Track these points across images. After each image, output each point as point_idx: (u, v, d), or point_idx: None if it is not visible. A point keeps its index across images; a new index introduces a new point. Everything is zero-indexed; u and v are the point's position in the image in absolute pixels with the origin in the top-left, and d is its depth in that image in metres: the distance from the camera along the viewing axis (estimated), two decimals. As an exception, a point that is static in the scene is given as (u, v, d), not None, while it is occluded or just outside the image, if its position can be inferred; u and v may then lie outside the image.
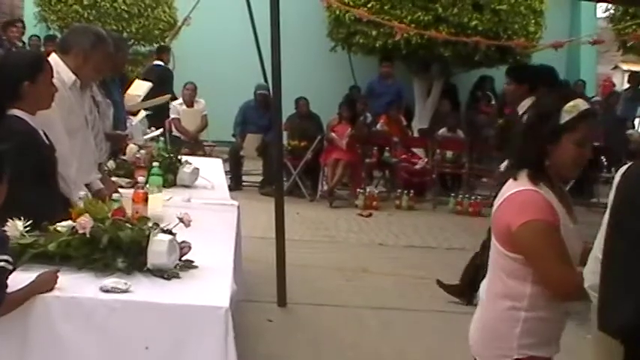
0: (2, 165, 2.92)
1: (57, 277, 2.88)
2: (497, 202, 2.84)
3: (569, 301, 2.82)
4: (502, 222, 2.77)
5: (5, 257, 2.73)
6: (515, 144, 2.93)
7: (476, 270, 6.19)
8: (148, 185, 4.41)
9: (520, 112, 6.26)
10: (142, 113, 6.35)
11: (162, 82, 11.41)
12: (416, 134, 12.80)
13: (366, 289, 6.84)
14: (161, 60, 12.12)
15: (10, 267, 2.75)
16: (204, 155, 9.89)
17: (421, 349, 5.43)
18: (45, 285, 2.83)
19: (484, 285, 2.96)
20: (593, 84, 15.82)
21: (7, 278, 2.75)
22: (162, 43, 12.75)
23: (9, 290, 2.78)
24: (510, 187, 2.79)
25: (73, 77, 4.11)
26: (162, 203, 4.27)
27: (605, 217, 2.59)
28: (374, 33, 12.01)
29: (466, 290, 6.30)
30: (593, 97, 14.20)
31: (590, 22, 15.74)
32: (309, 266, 7.24)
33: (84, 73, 4.15)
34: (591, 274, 2.61)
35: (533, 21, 12.65)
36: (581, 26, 15.48)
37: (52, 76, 3.64)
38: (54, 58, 4.02)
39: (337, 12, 12.39)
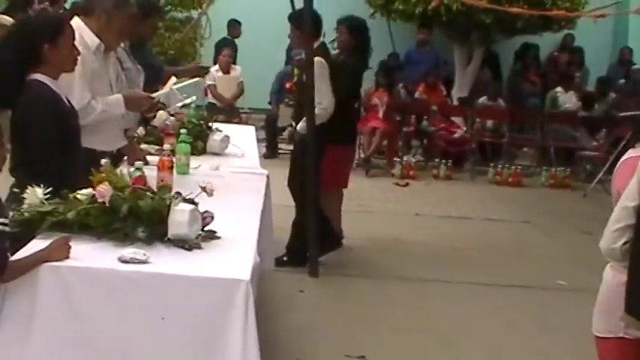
0: None
1: (69, 245, 2.79)
2: (615, 169, 2.81)
3: None
4: (615, 188, 2.73)
5: (1, 220, 2.65)
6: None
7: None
8: (175, 152, 4.34)
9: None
10: (173, 79, 6.25)
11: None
12: (455, 103, 12.57)
13: (400, 260, 6.70)
14: (231, 35, 12.48)
15: (7, 229, 2.67)
16: (240, 122, 9.79)
17: (454, 321, 5.31)
18: (56, 254, 2.76)
19: None
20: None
21: (6, 242, 2.68)
22: (200, 10, 12.63)
23: (17, 257, 2.71)
24: (628, 154, 2.75)
25: (97, 41, 4.02)
26: None
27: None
28: (413, -1, 11.78)
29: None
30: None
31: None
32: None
33: (107, 35, 4.06)
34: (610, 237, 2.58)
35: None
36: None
37: (74, 39, 3.54)
38: (76, 22, 3.93)
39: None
